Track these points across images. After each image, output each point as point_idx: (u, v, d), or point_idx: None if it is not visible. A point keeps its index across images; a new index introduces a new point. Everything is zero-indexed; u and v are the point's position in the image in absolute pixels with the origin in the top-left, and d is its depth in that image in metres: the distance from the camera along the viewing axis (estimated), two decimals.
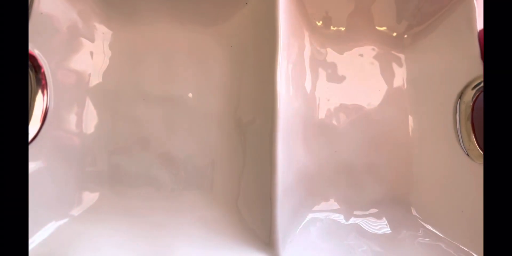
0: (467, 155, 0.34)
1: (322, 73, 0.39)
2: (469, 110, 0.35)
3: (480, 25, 0.34)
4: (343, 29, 0.39)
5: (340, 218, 0.36)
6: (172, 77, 0.38)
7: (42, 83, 0.34)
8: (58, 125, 0.34)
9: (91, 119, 0.36)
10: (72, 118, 0.35)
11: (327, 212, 0.36)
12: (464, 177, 0.34)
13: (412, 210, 0.37)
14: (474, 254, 0.33)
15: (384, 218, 0.36)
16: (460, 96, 0.35)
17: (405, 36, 0.39)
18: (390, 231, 0.36)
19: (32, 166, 0.32)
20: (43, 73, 0.34)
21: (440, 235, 0.35)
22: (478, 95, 0.34)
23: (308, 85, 0.38)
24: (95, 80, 0.37)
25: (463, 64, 0.35)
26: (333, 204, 0.37)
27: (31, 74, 0.33)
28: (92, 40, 0.37)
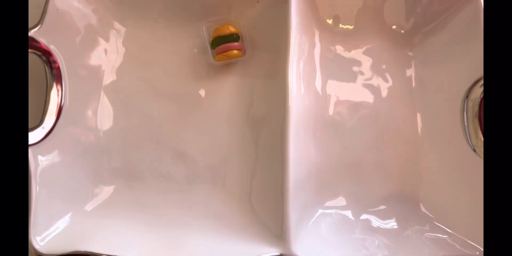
0: (474, 151, 0.35)
1: (331, 71, 0.39)
2: (477, 108, 0.35)
3: None
4: (352, 27, 0.40)
5: (349, 213, 0.37)
6: (184, 74, 0.38)
7: (57, 78, 0.34)
8: (73, 120, 0.35)
9: (105, 114, 0.37)
10: (87, 114, 0.36)
11: (337, 207, 0.37)
12: (471, 173, 0.35)
13: (421, 206, 0.37)
14: (480, 248, 0.33)
15: (392, 214, 0.37)
16: (468, 94, 0.36)
17: (414, 34, 0.40)
18: (399, 226, 0.36)
19: (47, 160, 0.32)
20: (58, 68, 0.34)
21: (448, 230, 0.35)
22: None
23: (318, 82, 0.39)
24: (109, 76, 0.38)
25: (470, 62, 0.36)
26: (342, 200, 0.37)
27: (46, 69, 0.34)
28: (106, 37, 0.38)
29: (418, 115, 0.39)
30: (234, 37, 0.37)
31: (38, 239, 0.31)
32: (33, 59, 0.33)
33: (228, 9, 0.39)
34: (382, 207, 0.37)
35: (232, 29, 0.37)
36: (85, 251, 0.30)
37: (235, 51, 0.37)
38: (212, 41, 0.38)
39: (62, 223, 0.33)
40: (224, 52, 0.37)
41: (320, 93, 0.39)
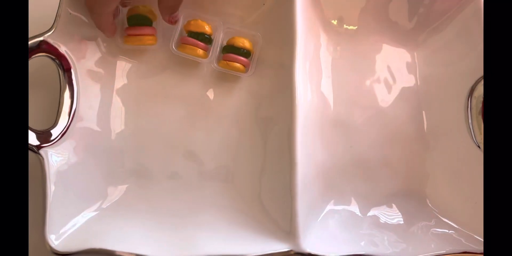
0: (479, 147, 0.36)
1: (337, 71, 0.40)
2: (480, 105, 0.36)
3: None
4: (356, 27, 0.41)
5: (356, 210, 0.37)
6: (193, 76, 0.39)
7: (69, 81, 0.35)
8: (86, 122, 0.35)
9: (117, 116, 0.38)
10: (100, 115, 0.37)
11: (345, 204, 0.38)
12: (476, 169, 0.35)
13: (427, 202, 0.38)
14: None
15: (399, 210, 0.38)
16: (471, 91, 0.37)
17: (418, 33, 0.41)
18: (405, 222, 0.37)
19: (62, 160, 0.33)
20: (71, 71, 0.35)
21: (454, 225, 0.36)
22: None
23: (324, 82, 0.39)
24: (120, 78, 0.38)
25: (473, 60, 0.37)
26: (349, 197, 0.38)
27: (59, 71, 0.35)
28: (116, 40, 0.38)
29: (423, 113, 0.40)
30: (244, 52, 0.38)
31: (54, 237, 0.31)
32: (47, 62, 0.34)
33: (234, 10, 0.40)
34: (389, 203, 0.38)
35: (246, 44, 0.38)
36: (100, 248, 0.31)
37: (238, 65, 0.38)
38: (225, 46, 0.39)
39: (77, 222, 0.33)
40: (229, 61, 0.38)
41: (326, 93, 0.39)
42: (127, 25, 0.38)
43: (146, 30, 0.37)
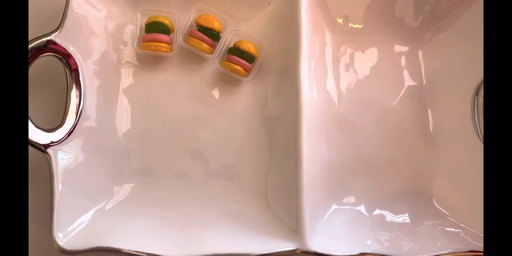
0: None
1: (342, 69, 0.40)
2: None
3: None
4: (361, 26, 0.41)
5: (362, 209, 0.37)
6: (198, 75, 0.40)
7: (76, 81, 0.35)
8: (93, 121, 0.36)
9: (124, 115, 0.38)
10: (106, 114, 0.37)
11: (351, 203, 0.38)
12: (482, 168, 0.35)
13: (434, 201, 0.38)
14: None
15: (405, 209, 0.37)
16: (478, 89, 0.37)
17: (423, 32, 0.41)
18: (412, 221, 0.37)
19: (69, 159, 0.33)
20: (77, 71, 0.35)
21: (461, 225, 0.36)
22: None
23: (329, 81, 0.39)
24: (126, 78, 0.39)
25: (479, 58, 0.37)
26: (355, 196, 0.38)
27: (66, 71, 0.35)
28: (122, 39, 0.39)
29: (429, 111, 0.40)
30: (248, 56, 0.38)
31: (61, 235, 0.31)
32: (54, 62, 0.35)
33: (239, 9, 0.40)
34: (395, 202, 0.38)
35: (251, 49, 0.38)
36: (107, 247, 0.31)
37: (240, 68, 0.38)
38: (231, 48, 0.39)
39: (84, 220, 0.33)
40: (232, 63, 0.38)
41: (332, 92, 0.39)
42: (144, 33, 0.38)
43: (163, 37, 0.37)
